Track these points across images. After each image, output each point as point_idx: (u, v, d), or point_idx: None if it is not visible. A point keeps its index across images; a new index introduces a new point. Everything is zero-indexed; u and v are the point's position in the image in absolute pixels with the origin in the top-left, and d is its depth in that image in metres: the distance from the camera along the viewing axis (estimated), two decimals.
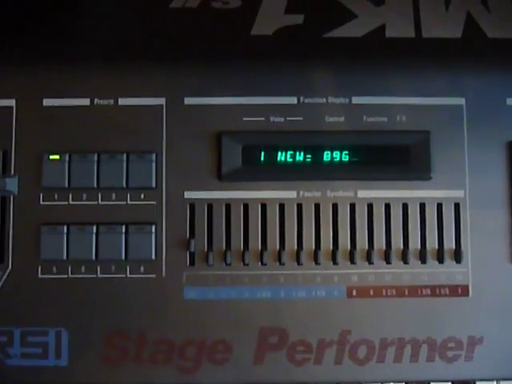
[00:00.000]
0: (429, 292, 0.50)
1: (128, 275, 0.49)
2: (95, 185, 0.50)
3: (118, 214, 0.50)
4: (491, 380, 0.51)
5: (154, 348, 0.49)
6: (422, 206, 0.51)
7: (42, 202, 0.50)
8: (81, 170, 0.50)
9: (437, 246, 0.50)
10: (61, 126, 0.51)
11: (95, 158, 0.50)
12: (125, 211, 0.50)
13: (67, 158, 0.50)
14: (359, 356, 0.49)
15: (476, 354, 0.50)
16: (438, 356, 0.49)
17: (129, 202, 0.50)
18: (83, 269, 0.49)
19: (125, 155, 0.50)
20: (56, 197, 0.50)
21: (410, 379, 0.50)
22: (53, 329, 0.49)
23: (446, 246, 0.50)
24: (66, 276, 0.49)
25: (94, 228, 0.49)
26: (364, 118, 0.52)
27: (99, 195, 0.50)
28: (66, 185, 0.50)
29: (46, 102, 0.51)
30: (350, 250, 0.50)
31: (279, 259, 0.50)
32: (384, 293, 0.50)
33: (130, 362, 0.49)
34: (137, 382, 0.49)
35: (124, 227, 0.49)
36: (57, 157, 0.50)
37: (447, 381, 0.50)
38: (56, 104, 0.51)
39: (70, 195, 0.50)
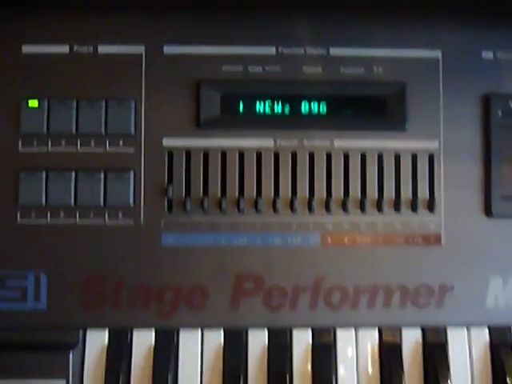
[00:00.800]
0: (402, 240, 0.51)
1: (106, 221, 0.50)
2: (74, 131, 0.50)
3: (97, 160, 0.50)
4: (461, 326, 0.52)
5: (132, 293, 0.49)
6: (397, 157, 0.51)
7: (20, 149, 0.50)
8: (59, 116, 0.50)
9: (411, 196, 0.51)
10: (40, 73, 0.50)
11: (74, 104, 0.50)
12: (103, 158, 0.50)
13: (46, 105, 0.50)
14: (333, 301, 0.50)
15: (446, 300, 0.51)
16: (410, 302, 0.50)
17: (107, 149, 0.50)
18: (62, 214, 0.50)
19: (104, 102, 0.50)
20: (35, 143, 0.50)
21: (382, 324, 0.51)
22: (32, 273, 0.49)
23: (419, 196, 0.51)
24: (44, 221, 0.50)
25: (73, 174, 0.49)
26: (341, 69, 0.52)
27: (78, 142, 0.50)
28: (45, 131, 0.50)
29: (25, 48, 0.51)
30: (326, 199, 0.51)
31: (256, 206, 0.50)
32: (358, 240, 0.51)
33: (108, 306, 0.49)
34: (115, 325, 0.50)
35: (102, 174, 0.49)
36: (35, 103, 0.50)
37: (418, 326, 0.51)
38: (35, 51, 0.51)
39: (49, 142, 0.50)
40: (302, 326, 0.50)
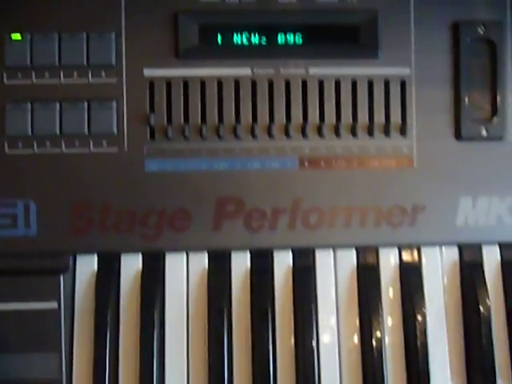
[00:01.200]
0: (376, 163, 0.53)
1: (91, 149, 0.51)
2: (57, 63, 0.51)
3: (80, 91, 0.51)
4: (434, 245, 0.54)
5: (118, 217, 0.51)
6: (370, 83, 0.53)
7: (5, 81, 0.51)
8: (42, 49, 0.51)
9: (384, 121, 0.53)
10: (21, 7, 0.51)
11: (56, 37, 0.51)
12: (86, 89, 0.51)
13: (29, 38, 0.51)
14: (311, 222, 0.52)
15: (419, 220, 0.53)
16: (385, 222, 0.53)
17: (90, 80, 0.52)
18: (48, 144, 0.51)
19: (85, 34, 0.51)
20: (19, 76, 0.51)
21: (358, 243, 0.53)
22: (21, 201, 0.51)
23: (392, 121, 0.53)
24: (31, 151, 0.51)
25: (57, 105, 0.51)
26: None
27: (61, 73, 0.51)
28: (29, 64, 0.51)
29: None
30: (302, 124, 0.52)
31: (235, 133, 0.52)
32: (334, 164, 0.53)
33: (96, 231, 0.51)
34: (102, 249, 0.52)
35: (86, 104, 0.51)
36: (18, 37, 0.51)
37: (393, 245, 0.54)
38: None
39: (33, 74, 0.51)
40: (282, 246, 0.53)
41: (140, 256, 0.53)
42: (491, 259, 0.55)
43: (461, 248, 0.55)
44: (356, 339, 0.53)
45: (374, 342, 0.52)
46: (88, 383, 0.50)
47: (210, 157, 0.52)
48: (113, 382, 0.51)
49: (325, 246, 0.53)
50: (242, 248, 0.52)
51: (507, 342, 0.53)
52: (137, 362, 0.51)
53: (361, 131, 0.53)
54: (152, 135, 0.52)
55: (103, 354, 0.50)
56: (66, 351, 0.51)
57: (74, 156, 0.51)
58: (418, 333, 0.52)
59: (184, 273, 0.53)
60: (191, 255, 0.53)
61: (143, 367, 0.50)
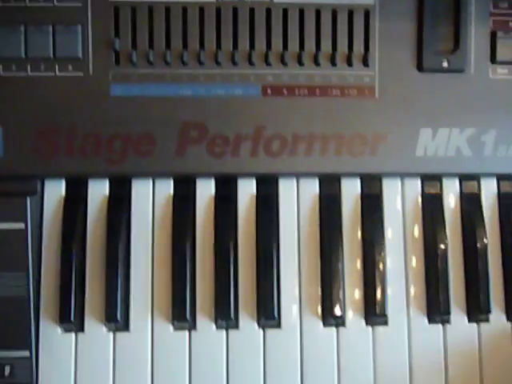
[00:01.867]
0: (338, 92, 0.53)
1: (57, 73, 0.52)
2: None
3: (46, 14, 0.51)
4: (395, 175, 0.55)
5: (83, 141, 0.52)
6: (334, 12, 0.53)
7: None
8: None
9: (347, 51, 0.53)
10: None
11: None
12: (52, 12, 0.51)
13: None
14: (273, 149, 0.53)
15: (379, 149, 0.54)
16: (345, 150, 0.53)
17: (56, 4, 0.51)
18: (14, 67, 0.51)
19: None
20: None
21: (319, 171, 0.54)
22: None
23: (355, 51, 0.53)
24: None
25: (23, 28, 0.51)
26: None
27: None
28: None
29: None
30: (266, 52, 0.53)
31: (199, 59, 0.52)
32: (297, 92, 0.53)
33: (62, 154, 0.52)
34: (69, 173, 0.52)
35: (51, 27, 0.51)
36: None
37: (354, 174, 0.54)
38: None
39: None
40: (245, 172, 0.53)
41: (107, 182, 0.54)
42: (451, 191, 0.56)
43: (422, 179, 0.55)
44: (317, 266, 0.54)
45: (332, 271, 0.53)
46: (55, 301, 0.52)
47: (175, 82, 0.52)
48: (79, 302, 0.52)
49: (287, 174, 0.54)
50: (205, 174, 0.53)
51: (462, 269, 0.55)
52: (102, 284, 0.52)
53: (324, 60, 0.53)
54: (117, 60, 0.52)
55: (69, 276, 0.52)
56: (33, 271, 0.52)
57: (40, 79, 0.51)
58: (376, 262, 0.53)
59: (150, 198, 0.54)
60: (157, 181, 0.54)
61: (109, 289, 0.52)
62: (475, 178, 0.56)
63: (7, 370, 0.51)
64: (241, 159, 0.53)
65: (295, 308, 0.53)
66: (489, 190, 0.56)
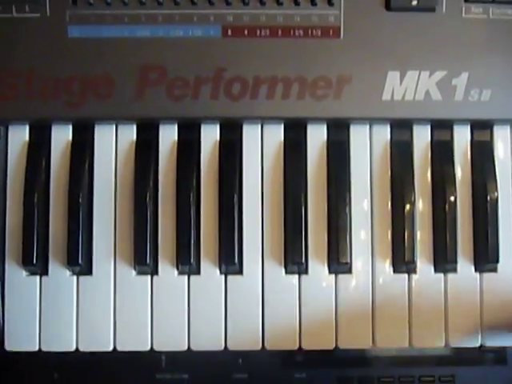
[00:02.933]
0: (301, 33, 0.51)
1: (14, 14, 0.51)
2: None
3: None
4: (362, 119, 0.53)
5: (42, 84, 0.51)
6: None
7: None
8: None
9: None
10: None
11: None
12: None
13: None
14: (234, 92, 0.51)
15: (344, 92, 0.51)
16: (309, 94, 0.51)
17: None
18: None
19: None
20: None
21: (282, 115, 0.52)
22: None
23: None
24: None
25: None
26: None
27: None
28: None
29: None
30: None
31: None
32: (258, 33, 0.51)
33: (23, 98, 0.51)
34: (31, 116, 0.52)
35: None
36: None
37: (318, 118, 0.52)
38: None
39: None
40: (204, 116, 0.52)
41: (70, 127, 0.53)
42: (421, 138, 0.54)
43: (391, 126, 0.53)
44: (280, 214, 0.53)
45: (295, 219, 0.52)
46: (19, 245, 0.51)
47: (133, 23, 0.51)
48: (42, 246, 0.52)
49: (248, 117, 0.52)
50: (165, 117, 0.52)
51: (430, 219, 0.54)
52: (65, 229, 0.52)
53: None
54: (74, 0, 0.51)
55: (32, 220, 0.52)
56: None
57: None
58: (340, 209, 0.52)
59: (113, 144, 0.53)
60: (120, 127, 0.53)
61: (71, 233, 0.51)
62: (447, 124, 0.54)
63: None
64: (201, 102, 0.51)
65: (257, 255, 0.53)
66: (461, 137, 0.54)
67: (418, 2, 0.51)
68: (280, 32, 0.51)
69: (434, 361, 0.56)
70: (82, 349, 0.52)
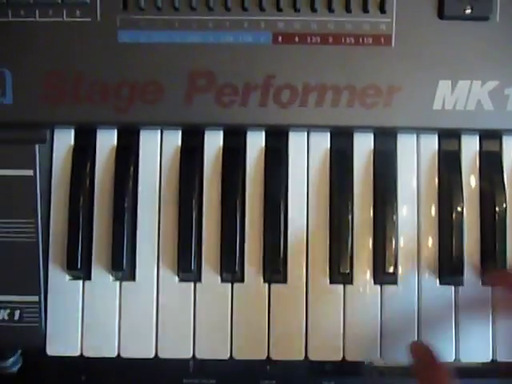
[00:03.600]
0: (352, 40, 0.51)
1: (65, 18, 0.51)
2: None
3: None
4: (409, 129, 0.52)
5: (91, 88, 0.51)
6: None
7: None
8: None
9: None
10: None
11: None
12: None
13: None
14: (283, 99, 0.51)
15: (394, 101, 0.51)
16: (358, 102, 0.51)
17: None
18: (22, 12, 0.50)
19: None
20: None
21: (331, 123, 0.51)
22: None
23: None
24: (6, 19, 0.50)
25: None
26: None
27: None
28: None
29: None
30: None
31: (208, 4, 0.50)
32: (309, 40, 0.51)
33: (69, 101, 0.51)
34: (77, 120, 0.51)
35: None
36: None
37: (367, 127, 0.52)
38: None
39: None
40: (253, 123, 0.51)
41: (115, 131, 0.53)
42: (469, 148, 0.53)
43: (439, 136, 0.52)
44: (326, 222, 0.52)
45: (342, 226, 0.51)
46: (63, 248, 0.51)
47: (183, 29, 0.50)
48: (86, 250, 0.52)
49: (297, 125, 0.51)
50: (213, 124, 0.51)
51: (478, 231, 0.53)
52: (109, 234, 0.52)
53: (338, 6, 0.50)
54: (125, 5, 0.50)
55: (77, 225, 0.51)
56: (42, 218, 0.52)
57: (48, 25, 0.50)
58: (388, 220, 0.51)
59: (158, 149, 0.53)
60: (165, 132, 0.53)
61: (115, 238, 0.51)
62: (496, 134, 0.53)
63: (17, 314, 0.52)
64: (250, 109, 0.51)
65: (302, 263, 0.52)
66: (510, 147, 0.53)
67: (472, 11, 0.50)
68: (331, 39, 0.50)
69: (469, 372, 0.54)
70: (123, 355, 0.52)
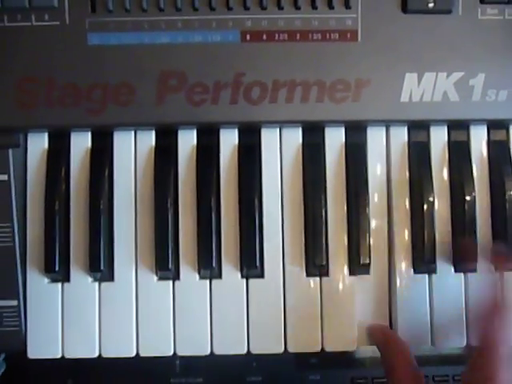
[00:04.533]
0: (319, 37, 0.51)
1: (33, 23, 0.51)
2: None
3: None
4: (380, 122, 0.53)
5: (63, 92, 0.51)
6: None
7: None
8: None
9: None
10: None
11: None
12: None
13: None
14: (253, 97, 0.51)
15: (363, 95, 0.51)
16: (328, 97, 0.51)
17: None
18: None
19: None
20: None
21: (301, 118, 0.52)
22: None
23: None
24: None
25: None
26: None
27: None
28: None
29: None
30: None
31: (175, 5, 0.50)
32: (276, 37, 0.51)
33: (42, 105, 0.51)
34: (50, 123, 0.51)
35: None
36: None
37: (337, 121, 0.52)
38: None
39: None
40: (225, 121, 0.52)
41: (89, 134, 0.53)
42: (438, 138, 0.54)
43: (408, 127, 0.53)
44: (300, 217, 0.53)
45: (316, 221, 0.52)
46: (40, 252, 0.52)
47: (152, 30, 0.51)
48: (64, 253, 0.52)
49: (268, 122, 0.52)
50: (185, 122, 0.52)
51: (449, 220, 0.53)
52: (86, 236, 0.52)
53: (304, 4, 0.51)
54: (93, 8, 0.51)
55: (53, 228, 0.51)
56: (18, 222, 0.52)
57: (17, 30, 0.50)
58: (360, 212, 0.52)
59: (132, 150, 0.53)
60: (139, 133, 0.53)
61: (92, 240, 0.51)
62: (463, 125, 0.54)
63: None
64: (221, 107, 0.51)
65: (278, 258, 0.52)
66: (478, 138, 0.54)
67: (435, 5, 0.51)
68: (298, 36, 0.51)
69: (449, 360, 0.56)
70: (104, 355, 0.52)
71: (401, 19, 0.51)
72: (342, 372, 0.56)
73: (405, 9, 0.51)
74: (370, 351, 0.56)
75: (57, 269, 0.51)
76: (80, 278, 0.52)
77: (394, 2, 0.51)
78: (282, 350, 0.52)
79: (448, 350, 0.56)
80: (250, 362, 0.55)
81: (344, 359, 0.56)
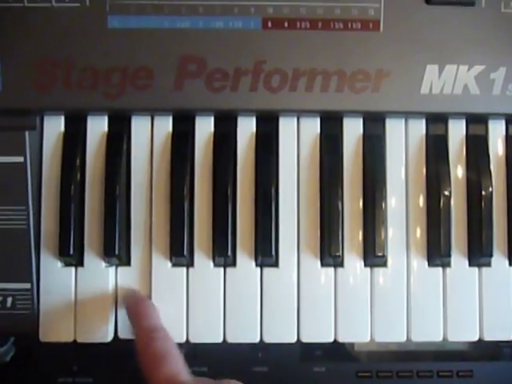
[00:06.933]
0: (341, 26, 0.50)
1: (53, 4, 0.50)
2: None
3: None
4: (399, 114, 0.52)
5: (81, 74, 0.50)
6: None
7: None
8: None
9: None
10: None
11: None
12: None
13: None
14: (273, 84, 0.51)
15: (383, 86, 0.51)
16: (347, 87, 0.51)
17: None
18: None
19: None
20: None
21: (320, 108, 0.51)
22: None
23: None
24: None
25: None
26: None
27: None
28: None
29: None
30: None
31: None
32: (298, 25, 0.50)
33: (60, 87, 0.50)
34: (68, 106, 0.51)
35: None
36: None
37: (356, 111, 0.51)
38: None
39: None
40: (244, 108, 0.51)
41: (106, 118, 0.52)
42: (456, 132, 0.53)
43: (427, 120, 0.53)
44: (316, 206, 0.52)
45: (332, 211, 0.51)
46: (55, 235, 0.51)
47: (173, 14, 0.50)
48: (78, 237, 0.51)
49: (287, 110, 0.51)
50: (203, 109, 0.51)
51: (465, 214, 0.53)
52: (102, 220, 0.51)
53: None
54: None
55: (68, 211, 0.51)
56: (33, 205, 0.51)
57: (37, 10, 0.49)
58: (377, 203, 0.51)
59: (149, 135, 0.52)
60: (156, 118, 0.52)
61: (107, 225, 0.50)
62: (482, 118, 0.53)
63: (9, 301, 0.51)
64: (240, 94, 0.50)
65: (293, 247, 0.52)
66: (496, 132, 0.53)
67: None
68: (320, 24, 0.50)
69: (453, 356, 0.55)
70: (117, 339, 0.51)
71: (424, 10, 0.51)
72: (347, 365, 0.55)
73: (428, 0, 0.51)
74: (374, 345, 0.56)
75: (71, 252, 0.50)
76: (94, 263, 0.51)
77: None
78: (294, 339, 0.52)
79: (452, 346, 0.56)
80: (255, 353, 0.55)
81: (349, 352, 0.55)
